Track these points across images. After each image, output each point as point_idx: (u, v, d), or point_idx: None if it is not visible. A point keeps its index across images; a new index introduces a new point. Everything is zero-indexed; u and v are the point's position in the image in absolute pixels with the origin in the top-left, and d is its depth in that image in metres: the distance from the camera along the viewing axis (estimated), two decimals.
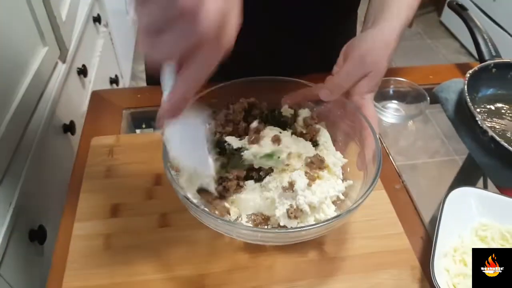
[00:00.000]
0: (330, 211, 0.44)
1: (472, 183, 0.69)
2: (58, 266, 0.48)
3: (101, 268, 0.47)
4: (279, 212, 0.44)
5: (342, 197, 0.46)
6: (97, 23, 1.36)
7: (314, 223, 0.43)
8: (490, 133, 0.58)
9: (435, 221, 0.48)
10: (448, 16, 2.57)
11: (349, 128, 0.51)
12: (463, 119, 0.67)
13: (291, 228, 0.43)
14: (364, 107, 0.49)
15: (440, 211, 0.48)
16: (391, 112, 0.70)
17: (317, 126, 0.51)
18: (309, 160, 0.46)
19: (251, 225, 0.47)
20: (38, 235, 0.75)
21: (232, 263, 0.48)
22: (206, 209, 0.45)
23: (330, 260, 0.48)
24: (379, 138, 0.65)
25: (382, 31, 0.50)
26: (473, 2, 2.30)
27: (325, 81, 0.53)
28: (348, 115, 0.51)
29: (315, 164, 0.46)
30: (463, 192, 0.51)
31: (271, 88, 0.53)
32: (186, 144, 0.39)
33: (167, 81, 0.33)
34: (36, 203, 0.78)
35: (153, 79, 0.83)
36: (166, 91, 0.33)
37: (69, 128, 0.97)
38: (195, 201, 0.44)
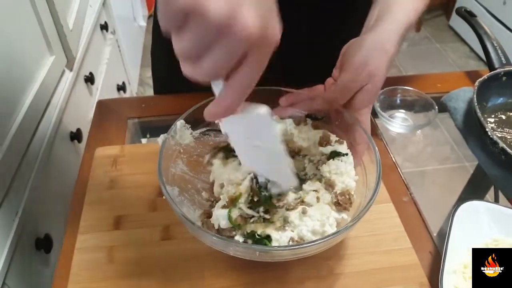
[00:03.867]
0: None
1: (482, 193, 0.68)
2: (61, 279, 0.48)
3: (103, 282, 0.47)
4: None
5: (345, 216, 0.45)
6: (104, 31, 1.36)
7: (314, 239, 0.42)
8: (501, 144, 0.57)
9: (444, 233, 0.47)
10: (457, 20, 2.54)
11: (348, 140, 0.50)
12: (472, 129, 0.65)
13: (289, 245, 0.42)
14: (360, 123, 0.48)
15: (449, 225, 0.47)
16: (399, 122, 0.68)
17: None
18: (335, 199, 0.44)
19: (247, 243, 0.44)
20: (44, 244, 0.76)
21: (234, 279, 0.47)
22: (200, 225, 0.44)
23: (335, 276, 0.47)
24: (387, 148, 0.64)
25: (382, 36, 0.48)
26: (482, 6, 2.27)
27: (326, 82, 0.52)
28: (346, 126, 0.50)
29: (342, 205, 0.44)
30: (473, 206, 0.49)
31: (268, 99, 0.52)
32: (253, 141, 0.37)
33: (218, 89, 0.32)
34: (43, 211, 0.78)
35: (160, 87, 0.83)
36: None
37: (76, 136, 0.98)
38: (189, 216, 0.43)
